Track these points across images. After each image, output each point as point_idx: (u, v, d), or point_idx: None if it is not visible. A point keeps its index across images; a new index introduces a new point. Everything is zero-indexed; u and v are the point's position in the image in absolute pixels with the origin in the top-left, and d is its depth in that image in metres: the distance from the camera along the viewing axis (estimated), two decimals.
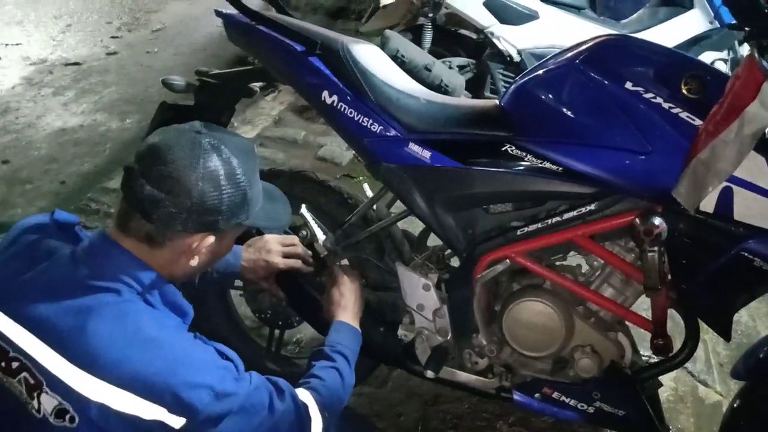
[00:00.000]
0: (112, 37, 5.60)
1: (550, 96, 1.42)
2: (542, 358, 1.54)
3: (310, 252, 1.65)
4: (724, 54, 3.45)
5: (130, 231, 1.05)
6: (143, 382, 0.96)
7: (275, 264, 1.57)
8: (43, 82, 4.60)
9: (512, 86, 1.53)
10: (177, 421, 0.98)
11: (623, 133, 1.34)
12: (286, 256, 1.58)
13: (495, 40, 3.23)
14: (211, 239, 1.09)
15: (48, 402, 0.98)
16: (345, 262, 1.79)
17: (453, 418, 1.95)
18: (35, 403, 0.98)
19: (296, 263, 1.61)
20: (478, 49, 3.47)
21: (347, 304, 1.52)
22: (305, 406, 1.17)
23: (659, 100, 1.31)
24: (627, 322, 1.55)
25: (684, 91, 1.32)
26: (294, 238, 1.64)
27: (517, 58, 3.20)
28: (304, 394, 1.19)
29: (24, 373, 0.99)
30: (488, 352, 1.56)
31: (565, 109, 1.40)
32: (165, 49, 5.38)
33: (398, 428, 1.92)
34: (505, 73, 3.29)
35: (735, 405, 1.59)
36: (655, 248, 1.29)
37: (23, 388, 0.99)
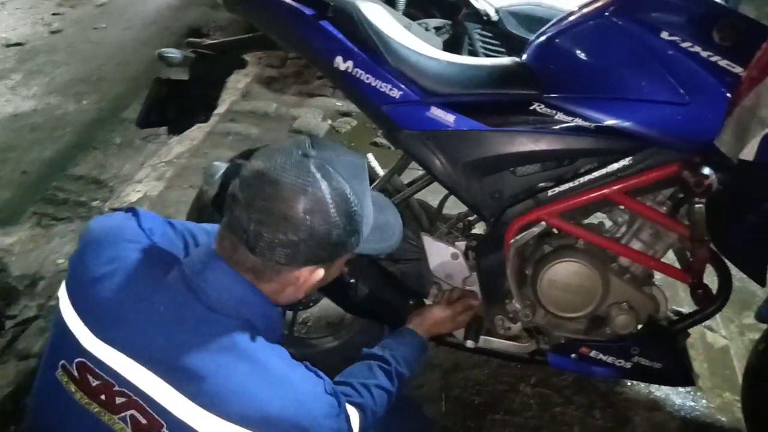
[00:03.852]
0: (54, 14, 5.27)
1: (580, 50, 1.39)
2: (578, 318, 1.52)
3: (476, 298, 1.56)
4: None
5: (235, 262, 0.96)
6: (275, 423, 0.89)
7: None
8: None
9: (535, 41, 1.49)
10: None
11: (660, 84, 1.32)
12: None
13: (471, 0, 3.16)
14: (320, 273, 1.00)
15: None
16: None
17: (475, 385, 1.94)
18: None
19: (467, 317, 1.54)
20: (453, 9, 3.38)
21: (434, 321, 1.47)
22: None
23: (697, 48, 1.29)
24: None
25: (717, 40, 1.30)
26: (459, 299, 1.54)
27: (495, 17, 3.12)
28: (353, 415, 1.09)
29: (131, 411, 0.89)
30: (523, 316, 1.54)
31: (597, 63, 1.37)
32: (114, 23, 5.10)
33: (421, 399, 1.88)
34: (483, 33, 3.21)
35: (760, 347, 1.62)
36: (704, 200, 1.28)
37: (128, 427, 0.90)
